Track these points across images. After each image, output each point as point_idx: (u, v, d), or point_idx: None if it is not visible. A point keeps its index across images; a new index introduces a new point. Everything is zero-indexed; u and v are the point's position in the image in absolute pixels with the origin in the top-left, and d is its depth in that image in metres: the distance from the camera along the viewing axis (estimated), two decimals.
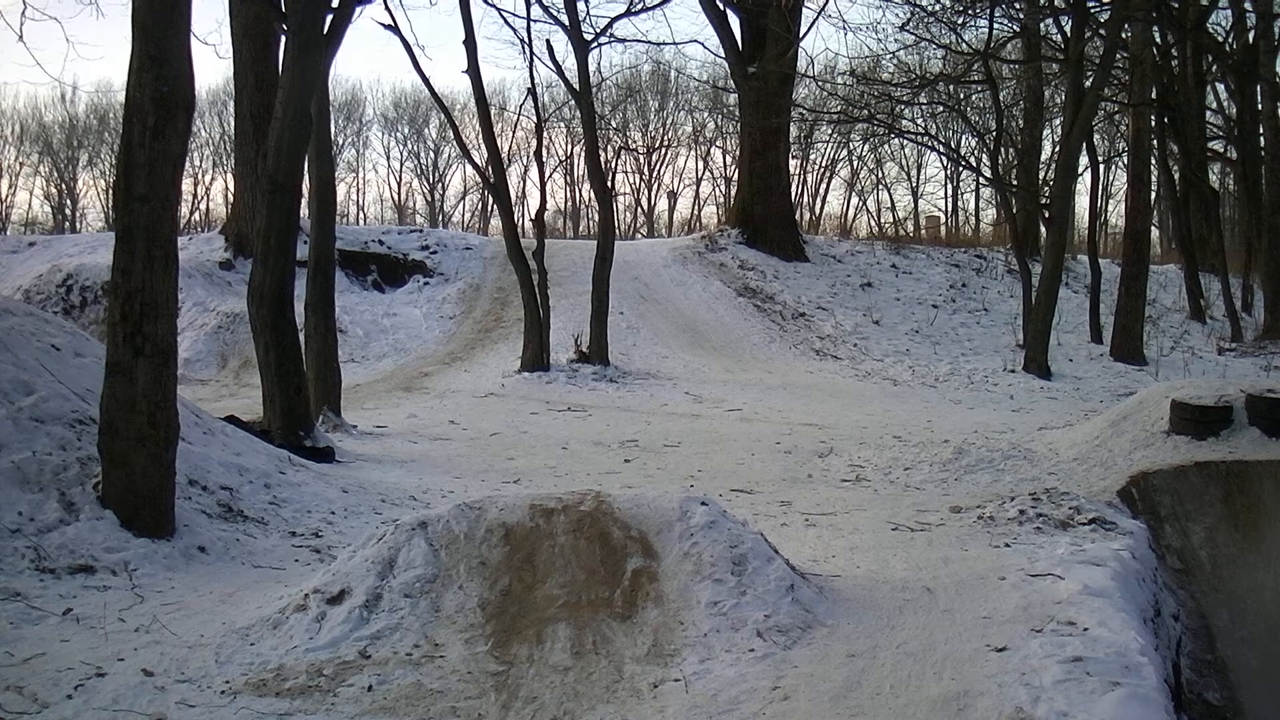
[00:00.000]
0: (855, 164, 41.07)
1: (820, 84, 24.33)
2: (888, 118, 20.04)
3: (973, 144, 31.77)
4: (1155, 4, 16.56)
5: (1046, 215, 16.40)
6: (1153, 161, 20.90)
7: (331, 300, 11.17)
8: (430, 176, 48.60)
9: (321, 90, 10.79)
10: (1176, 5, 18.53)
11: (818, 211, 41.12)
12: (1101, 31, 16.59)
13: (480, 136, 16.48)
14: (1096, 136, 24.88)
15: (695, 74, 39.37)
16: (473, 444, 10.19)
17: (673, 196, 46.72)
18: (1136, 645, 4.16)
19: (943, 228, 36.36)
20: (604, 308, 15.42)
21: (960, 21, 17.57)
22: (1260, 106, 19.93)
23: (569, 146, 34.69)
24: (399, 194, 49.59)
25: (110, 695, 3.96)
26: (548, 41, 22.90)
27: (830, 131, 28.80)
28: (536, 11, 19.41)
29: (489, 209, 43.34)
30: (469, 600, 4.61)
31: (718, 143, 43.64)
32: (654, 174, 45.77)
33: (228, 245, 18.61)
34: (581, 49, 15.66)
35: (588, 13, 27.55)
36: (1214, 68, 22.18)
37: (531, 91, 16.63)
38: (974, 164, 27.87)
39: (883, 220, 41.52)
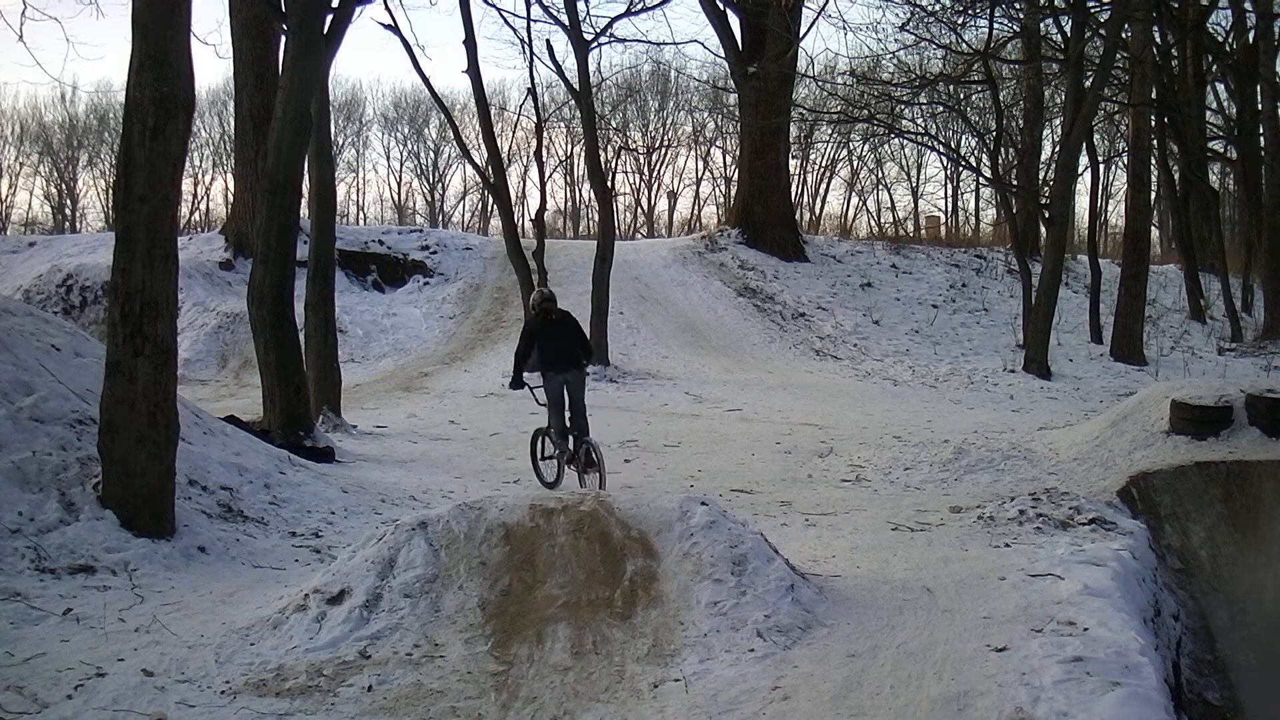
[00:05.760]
0: (855, 164, 41.05)
1: (820, 84, 24.36)
2: (888, 118, 20.01)
3: (973, 144, 31.76)
4: (1155, 4, 16.56)
5: (1046, 215, 16.40)
6: (1153, 161, 20.89)
7: (331, 300, 11.17)
8: (430, 176, 48.56)
9: (321, 90, 10.79)
10: (1176, 5, 18.53)
11: (818, 211, 41.07)
12: (1101, 31, 16.59)
13: (480, 136, 16.52)
14: (1096, 136, 24.87)
15: (695, 74, 39.35)
16: (473, 444, 10.19)
17: (673, 196, 46.70)
18: (1136, 645, 4.16)
19: (943, 228, 36.28)
20: (604, 308, 15.41)
21: (960, 21, 17.59)
22: (1260, 106, 19.91)
23: (569, 146, 34.71)
24: (399, 194, 49.57)
25: (110, 695, 3.96)
26: (548, 41, 22.93)
27: (830, 131, 28.90)
28: (536, 11, 19.40)
29: (489, 209, 43.29)
30: (469, 600, 4.61)
31: (718, 143, 43.61)
32: (654, 174, 45.73)
33: (228, 245, 18.62)
34: (581, 49, 15.66)
35: (588, 13, 27.62)
36: (1214, 68, 22.17)
37: (531, 91, 16.65)
38: (974, 164, 27.85)
39: (883, 220, 41.53)
